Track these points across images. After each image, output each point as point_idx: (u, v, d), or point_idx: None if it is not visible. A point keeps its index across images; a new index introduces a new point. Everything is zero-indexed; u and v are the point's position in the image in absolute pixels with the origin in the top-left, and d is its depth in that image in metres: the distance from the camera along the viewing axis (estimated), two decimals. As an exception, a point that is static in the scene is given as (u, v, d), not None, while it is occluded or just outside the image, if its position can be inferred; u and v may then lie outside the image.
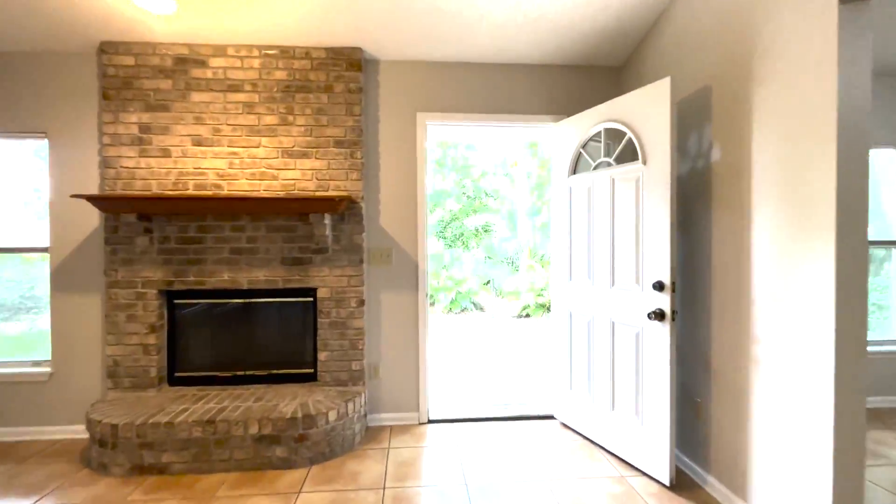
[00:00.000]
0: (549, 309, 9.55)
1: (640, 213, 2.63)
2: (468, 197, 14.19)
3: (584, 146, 3.10)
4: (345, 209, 3.13)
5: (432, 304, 10.43)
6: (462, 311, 10.30)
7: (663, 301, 2.48)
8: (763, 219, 2.12)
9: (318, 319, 3.18)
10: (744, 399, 2.25)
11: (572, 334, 3.20)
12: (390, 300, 3.35)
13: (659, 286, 2.49)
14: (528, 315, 9.85)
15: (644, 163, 2.60)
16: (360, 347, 3.21)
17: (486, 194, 14.26)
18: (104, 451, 2.65)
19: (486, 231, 12.36)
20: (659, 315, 2.48)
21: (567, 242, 3.22)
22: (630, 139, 2.71)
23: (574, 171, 3.19)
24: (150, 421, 2.64)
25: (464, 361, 5.80)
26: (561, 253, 3.30)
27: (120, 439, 2.62)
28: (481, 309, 10.55)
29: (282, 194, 3.11)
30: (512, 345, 6.91)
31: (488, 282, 12.26)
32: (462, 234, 14.25)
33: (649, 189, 2.56)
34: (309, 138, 3.16)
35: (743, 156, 2.23)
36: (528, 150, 12.05)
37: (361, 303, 3.20)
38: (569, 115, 3.33)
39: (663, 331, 2.49)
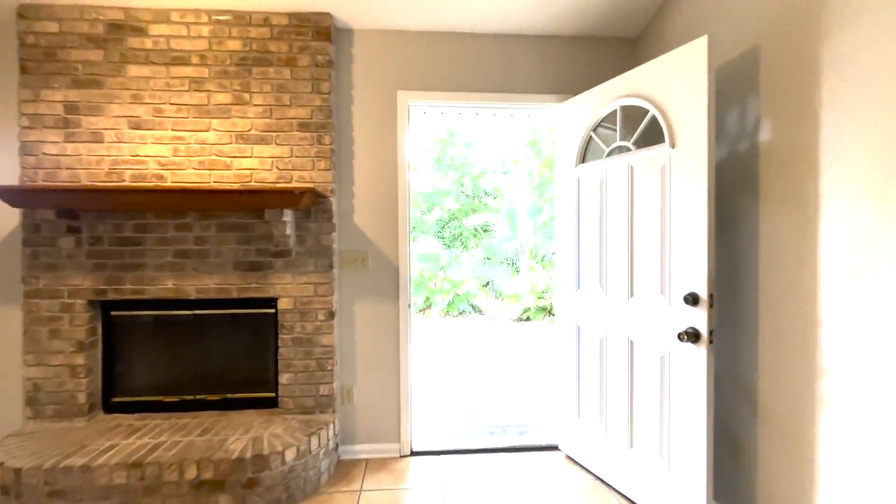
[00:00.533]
0: (550, 312, 9.03)
1: (667, 207, 2.10)
2: (467, 196, 13.67)
3: (595, 129, 2.57)
4: (310, 204, 2.60)
5: (428, 307, 9.92)
6: (460, 314, 9.78)
7: (698, 318, 1.95)
8: (836, 216, 1.58)
9: (280, 335, 2.66)
10: (805, 447, 1.71)
11: (580, 352, 2.67)
12: (366, 311, 2.83)
13: (692, 299, 1.96)
14: (528, 318, 9.32)
15: (672, 145, 2.07)
16: (330, 368, 2.68)
17: (486, 193, 13.74)
18: (6, 502, 2.13)
19: (485, 231, 11.83)
20: (692, 335, 1.95)
21: (574, 244, 2.70)
22: (654, 117, 2.18)
23: (583, 159, 2.66)
24: (63, 464, 2.12)
25: (457, 374, 5.27)
26: (567, 256, 2.77)
27: (24, 487, 2.10)
28: (480, 312, 10.03)
29: (235, 187, 2.59)
30: (511, 353, 6.38)
31: (487, 283, 11.73)
32: (461, 234, 13.72)
33: (679, 178, 2.04)
34: (268, 120, 2.63)
35: (806, 133, 1.69)
36: (531, 150, 11.53)
37: (331, 315, 2.68)
38: (576, 95, 2.80)
39: (698, 355, 1.96)
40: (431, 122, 3.40)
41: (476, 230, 13.39)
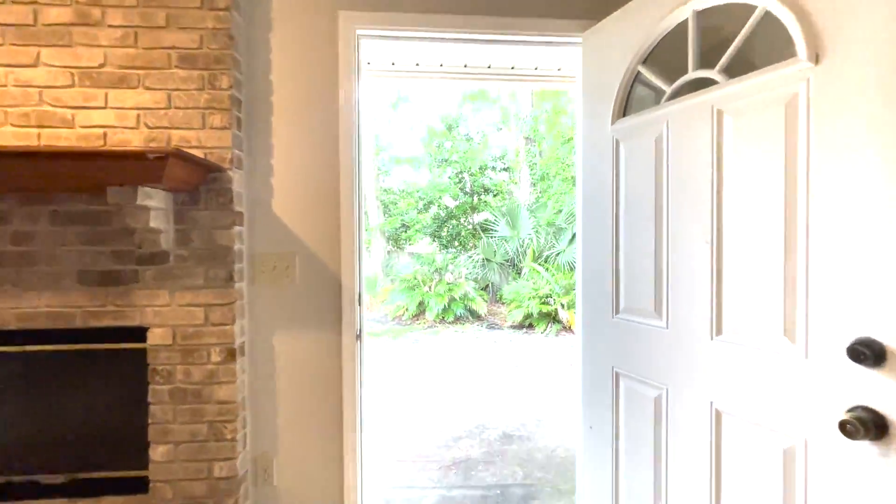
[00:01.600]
0: (555, 319, 8.04)
1: (801, 177, 1.11)
2: (465, 193, 12.66)
3: (644, 61, 1.58)
4: (194, 181, 1.62)
5: (421, 312, 8.93)
6: (456, 319, 8.78)
7: (883, 391, 0.97)
8: None
9: (151, 385, 1.68)
10: None
11: (620, 415, 1.68)
12: (293, 345, 1.84)
13: (870, 353, 0.97)
14: (530, 325, 8.32)
15: (814, 58, 1.08)
16: (231, 436, 1.70)
17: (486, 189, 12.72)
18: None
19: (485, 231, 10.84)
20: (871, 425, 0.96)
21: (609, 243, 1.70)
22: (768, 15, 1.19)
23: (623, 111, 1.67)
24: None
25: (443, 405, 4.28)
26: (595, 262, 1.77)
27: None
28: (478, 317, 9.03)
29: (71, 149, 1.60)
30: (512, 372, 5.38)
31: (486, 286, 10.74)
32: (459, 234, 12.72)
33: (832, 120, 1.05)
34: (132, 51, 1.65)
35: None
36: (532, 145, 10.55)
37: (232, 354, 1.69)
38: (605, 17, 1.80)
39: (884, 465, 0.97)
40: (397, 73, 2.42)
41: (475, 229, 12.38)
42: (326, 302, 1.83)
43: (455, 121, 13.71)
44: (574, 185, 9.89)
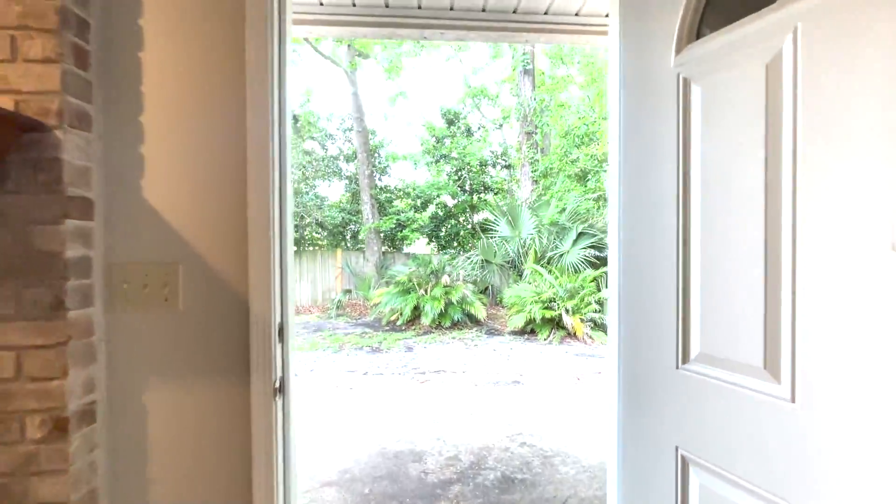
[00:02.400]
0: (559, 326, 7.38)
1: None
2: (465, 191, 12.01)
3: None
4: (-10, 146, 0.97)
5: (416, 317, 8.28)
6: (453, 325, 8.13)
7: None
8: None
9: (-72, 478, 1.03)
10: None
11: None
12: (174, 405, 1.18)
13: None
14: (532, 331, 7.67)
15: None
16: (61, 558, 1.05)
17: (486, 187, 12.07)
18: None
19: (484, 231, 10.19)
20: None
21: (669, 247, 1.03)
22: None
23: (697, 31, 1.01)
24: None
25: (429, 440, 3.61)
26: (643, 278, 1.11)
27: None
28: (477, 322, 8.38)
29: None
30: (512, 390, 4.72)
31: (485, 289, 10.09)
32: (458, 234, 12.07)
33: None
34: None
35: None
36: (534, 140, 9.88)
37: (63, 425, 1.04)
38: None
39: None
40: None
41: (474, 229, 11.70)
42: (226, 337, 1.17)
43: (455, 114, 13.07)
44: (580, 182, 9.18)
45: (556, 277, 7.89)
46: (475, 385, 4.67)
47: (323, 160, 11.83)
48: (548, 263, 8.63)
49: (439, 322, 8.10)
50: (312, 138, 11.75)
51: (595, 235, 8.39)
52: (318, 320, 9.29)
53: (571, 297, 7.55)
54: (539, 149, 10.19)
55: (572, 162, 9.27)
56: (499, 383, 4.74)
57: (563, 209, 8.61)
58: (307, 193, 11.64)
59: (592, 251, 8.37)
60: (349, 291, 10.50)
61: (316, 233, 12.29)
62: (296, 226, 12.29)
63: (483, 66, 14.66)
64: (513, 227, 9.23)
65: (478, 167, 12.25)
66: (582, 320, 7.14)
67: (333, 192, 12.95)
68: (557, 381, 4.94)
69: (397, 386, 4.72)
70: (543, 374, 5.23)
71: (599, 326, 7.28)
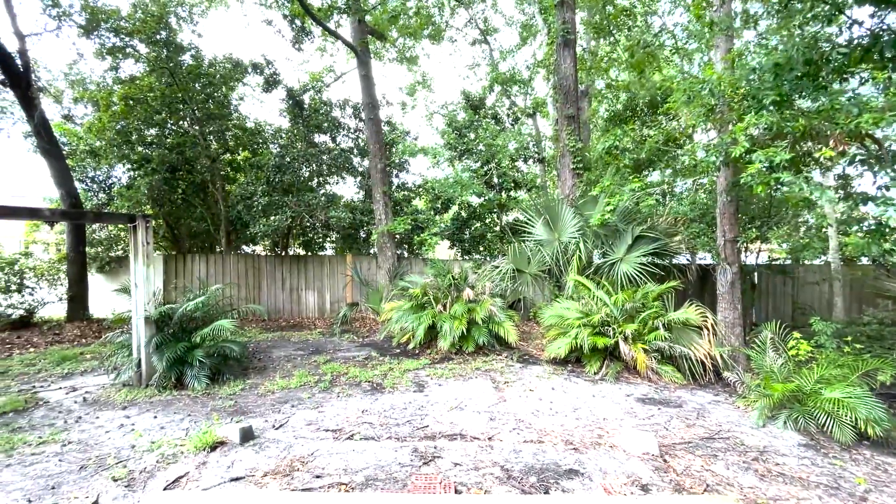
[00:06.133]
0: (614, 356, 5.63)
1: None
2: (492, 188, 10.33)
3: None
4: None
5: (432, 340, 6.66)
6: (477, 349, 6.48)
7: None
8: None
9: None
10: None
11: None
12: None
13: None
14: (578, 360, 5.94)
15: None
16: None
17: (517, 184, 10.35)
18: None
19: (515, 233, 8.50)
20: None
21: None
22: None
23: None
24: None
25: None
26: None
27: None
28: (507, 346, 6.71)
29: None
30: (558, 481, 3.02)
31: (514, 303, 8.37)
32: (484, 238, 10.41)
33: None
34: None
35: None
36: (575, 125, 8.13)
37: None
38: None
39: None
40: None
41: (503, 231, 9.99)
42: None
43: (481, 99, 11.41)
44: (635, 173, 7.32)
45: (609, 293, 6.11)
46: (507, 477, 3.01)
47: (332, 153, 10.41)
48: (595, 273, 6.86)
49: (460, 346, 6.47)
50: (321, 129, 10.35)
51: (657, 240, 6.57)
52: (319, 338, 7.83)
53: (630, 319, 5.78)
54: (580, 137, 8.42)
55: (625, 150, 7.48)
56: (544, 474, 3.05)
57: (614, 207, 6.81)
58: (315, 191, 10.26)
59: (654, 259, 6.57)
60: (355, 305, 9.01)
61: (325, 235, 10.88)
62: (302, 228, 10.93)
63: (513, 51, 12.97)
64: (551, 229, 7.51)
65: (507, 161, 10.56)
66: (646, 351, 5.36)
67: (345, 189, 11.54)
68: (634, 468, 3.23)
69: (386, 470, 3.11)
70: (608, 446, 3.52)
71: (668, 359, 5.48)
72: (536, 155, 11.26)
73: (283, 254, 10.64)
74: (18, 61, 7.76)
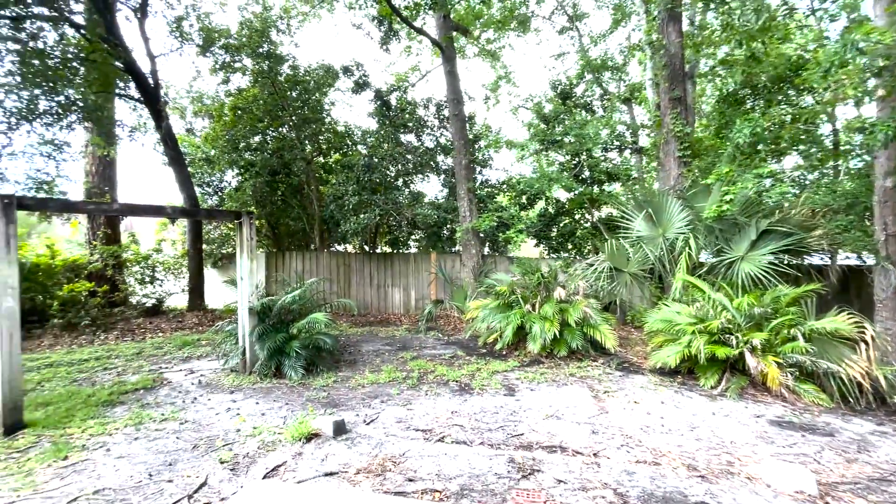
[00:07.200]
0: (736, 368, 4.85)
1: None
2: (582, 182, 9.67)
3: None
4: None
5: (520, 340, 6.32)
6: (570, 354, 6.02)
7: None
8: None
9: None
10: None
11: None
12: None
13: None
14: (690, 372, 5.23)
15: None
16: None
17: (610, 176, 9.56)
18: None
19: (610, 229, 7.84)
20: None
21: None
22: None
23: None
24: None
25: None
26: None
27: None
28: (603, 351, 6.15)
29: None
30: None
31: (610, 304, 7.70)
32: (573, 235, 9.79)
33: None
34: None
35: None
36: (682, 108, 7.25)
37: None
38: None
39: None
40: None
41: (596, 228, 9.28)
42: None
43: (570, 86, 10.73)
44: (752, 159, 6.31)
45: (729, 296, 5.31)
46: (620, 502, 2.62)
47: (418, 151, 10.49)
48: (709, 273, 6.03)
49: (551, 349, 6.06)
50: (407, 128, 10.48)
51: (790, 234, 5.58)
52: (405, 334, 7.87)
53: (756, 326, 4.95)
54: (686, 120, 7.50)
55: (743, 132, 6.47)
56: None
57: (731, 198, 5.91)
58: (401, 189, 10.42)
59: (785, 258, 5.60)
60: (440, 302, 8.95)
61: (409, 234, 11.01)
62: (389, 227, 11.18)
63: (605, 35, 12.10)
64: (653, 224, 6.77)
65: (599, 151, 9.83)
66: (779, 365, 4.53)
67: (429, 188, 11.58)
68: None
69: (481, 481, 2.87)
70: (743, 477, 2.94)
71: (810, 376, 4.59)
72: (632, 144, 10.35)
73: (371, 252, 10.96)
74: (150, 80, 8.84)
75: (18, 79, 6.78)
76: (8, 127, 7.08)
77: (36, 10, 7.01)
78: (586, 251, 9.55)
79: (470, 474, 2.92)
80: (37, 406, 4.20)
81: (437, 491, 2.70)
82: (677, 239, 6.35)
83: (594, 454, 3.22)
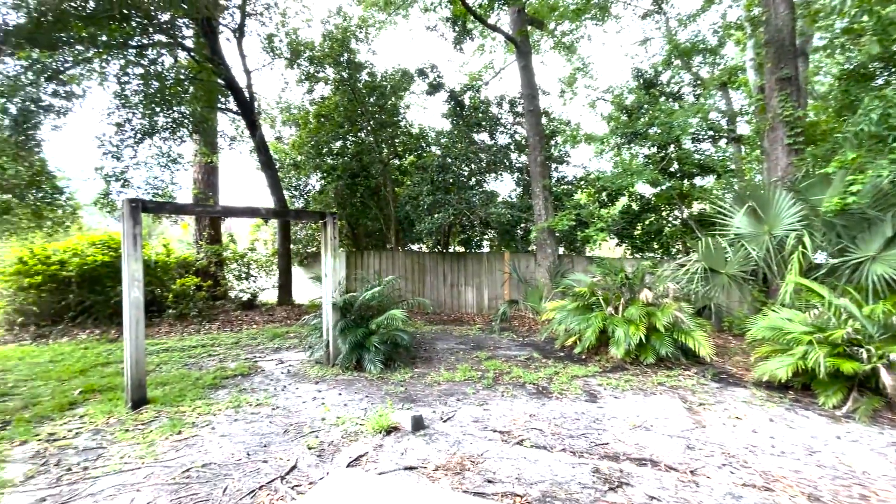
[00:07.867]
0: (867, 386, 4.16)
1: None
2: (669, 175, 8.95)
3: None
4: None
5: (602, 344, 5.98)
6: (658, 361, 5.58)
7: None
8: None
9: None
10: None
11: None
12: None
13: None
14: (806, 387, 4.59)
15: None
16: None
17: (703, 168, 8.74)
18: None
19: (704, 226, 7.17)
20: None
21: None
22: None
23: None
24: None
25: None
26: None
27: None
28: (695, 359, 5.63)
29: None
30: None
31: (703, 309, 7.03)
32: (660, 233, 9.11)
33: None
34: None
35: None
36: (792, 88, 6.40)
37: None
38: None
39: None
40: None
41: (686, 225, 8.51)
42: None
43: (656, 73, 9.99)
44: (882, 144, 5.34)
45: (856, 302, 4.58)
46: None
47: (491, 150, 10.42)
48: (829, 276, 5.27)
49: (637, 355, 5.67)
50: (480, 126, 10.45)
51: (940, 230, 4.69)
52: (479, 334, 7.84)
53: (894, 338, 4.21)
54: (797, 102, 6.62)
55: (872, 113, 5.55)
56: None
57: (856, 189, 5.08)
58: (474, 189, 10.41)
59: (932, 258, 4.71)
60: (514, 302, 8.78)
61: (482, 233, 10.96)
62: (462, 226, 11.23)
63: (696, 15, 11.12)
64: (757, 221, 6.07)
65: (689, 143, 9.05)
66: (927, 385, 3.81)
67: (501, 187, 11.45)
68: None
69: (564, 489, 2.73)
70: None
71: (969, 400, 3.81)
72: (729, 133, 9.39)
73: (444, 251, 11.08)
74: (246, 93, 9.71)
75: (142, 98, 7.79)
76: (135, 141, 8.18)
77: (156, 38, 8.01)
78: (674, 251, 8.83)
79: (552, 481, 2.80)
80: (156, 385, 4.77)
81: (518, 495, 2.62)
82: (787, 236, 5.62)
83: (691, 471, 2.93)
